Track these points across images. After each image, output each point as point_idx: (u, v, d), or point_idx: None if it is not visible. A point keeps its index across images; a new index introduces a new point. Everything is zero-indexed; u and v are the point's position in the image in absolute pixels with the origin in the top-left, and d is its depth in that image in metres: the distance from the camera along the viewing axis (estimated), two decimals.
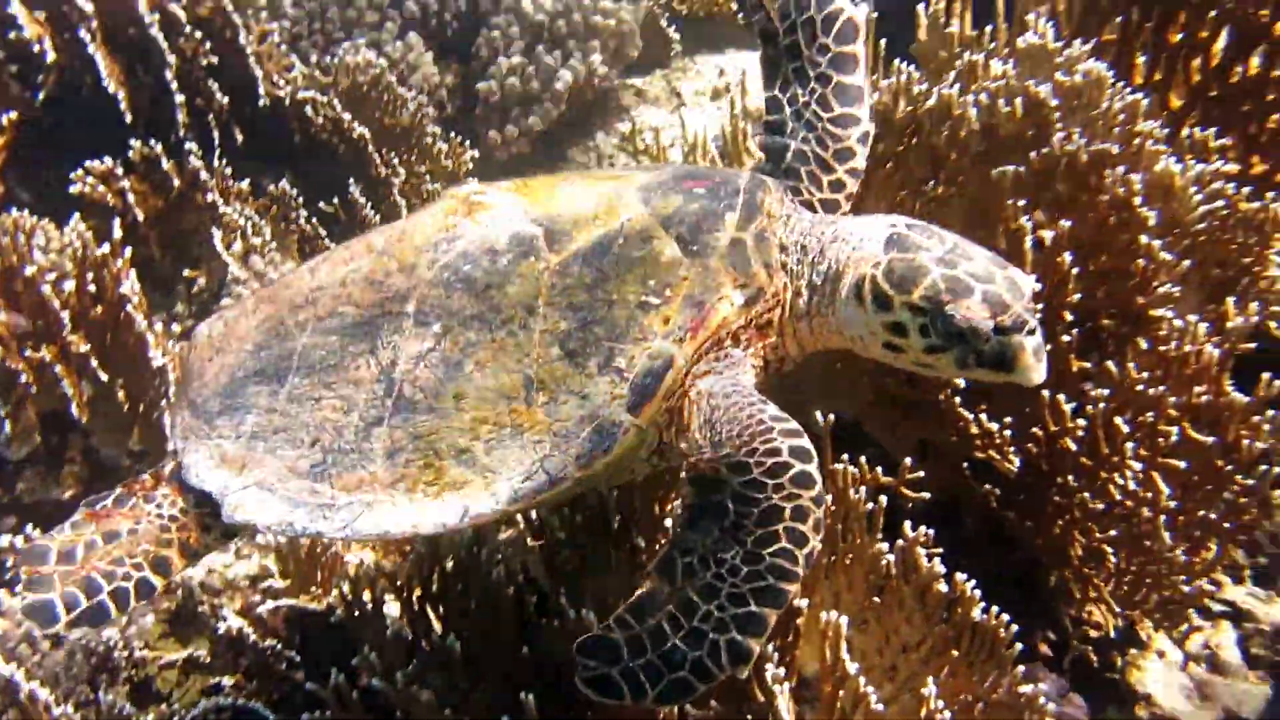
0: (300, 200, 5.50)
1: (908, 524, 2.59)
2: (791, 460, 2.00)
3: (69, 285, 4.15)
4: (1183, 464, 2.79)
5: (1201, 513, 2.96)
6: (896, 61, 4.13)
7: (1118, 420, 2.74)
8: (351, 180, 5.63)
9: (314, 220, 5.57)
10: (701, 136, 5.63)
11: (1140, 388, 2.79)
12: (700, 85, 7.47)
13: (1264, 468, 2.93)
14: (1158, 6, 3.39)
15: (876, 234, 2.21)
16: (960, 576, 2.54)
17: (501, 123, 6.65)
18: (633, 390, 2.10)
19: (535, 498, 2.09)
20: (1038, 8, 3.72)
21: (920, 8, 3.90)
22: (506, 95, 6.56)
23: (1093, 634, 3.19)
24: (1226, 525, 2.99)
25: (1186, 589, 2.90)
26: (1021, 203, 2.85)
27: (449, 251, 2.29)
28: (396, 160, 5.89)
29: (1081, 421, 2.82)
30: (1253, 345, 2.93)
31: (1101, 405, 2.77)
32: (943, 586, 2.53)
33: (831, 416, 2.79)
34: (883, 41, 3.89)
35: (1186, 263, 2.87)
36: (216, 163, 5.23)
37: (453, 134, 6.45)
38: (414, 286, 2.27)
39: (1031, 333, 2.01)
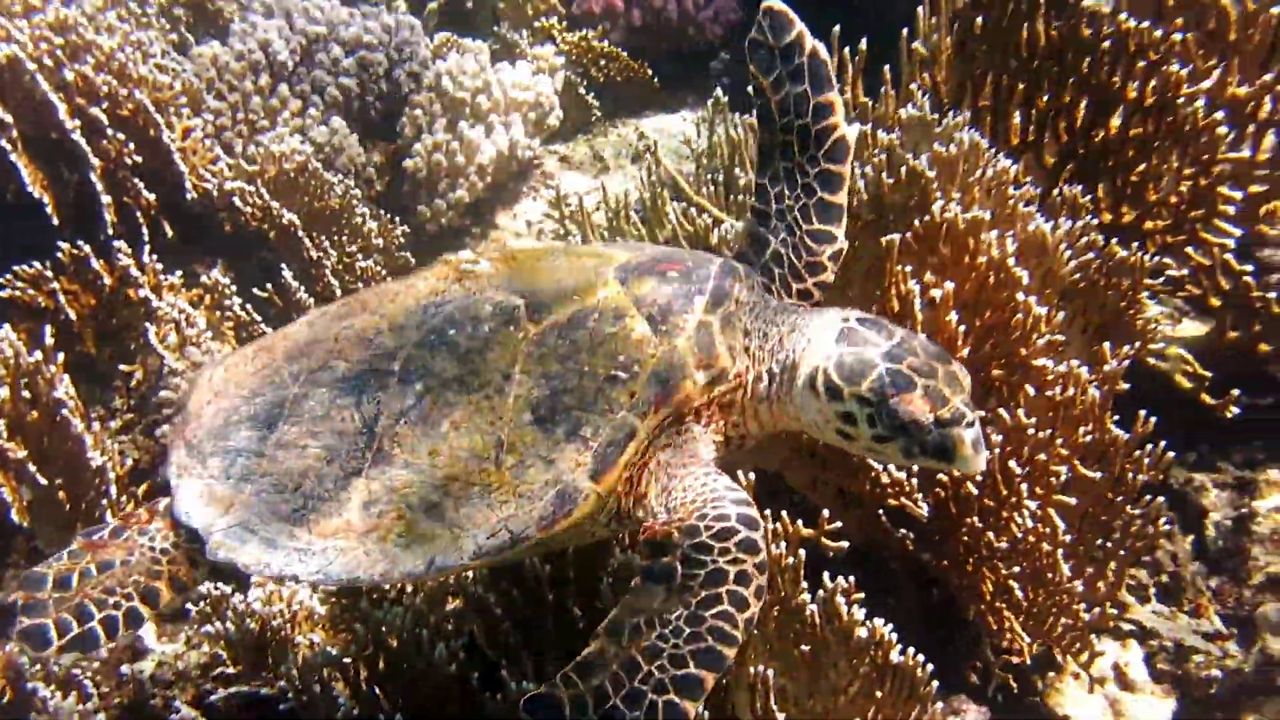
0: (233, 289, 5.58)
1: (826, 575, 2.77)
2: (739, 526, 2.13)
3: (3, 392, 4.19)
4: (1073, 500, 3.01)
5: (1099, 542, 3.19)
6: None
7: (1012, 464, 2.95)
8: (284, 266, 5.74)
9: (248, 307, 5.65)
10: (623, 201, 5.87)
11: (1031, 431, 3.01)
12: (621, 149, 7.75)
13: (1149, 497, 3.18)
14: (1023, 76, 3.69)
15: (830, 327, 2.35)
16: (878, 622, 2.71)
17: (430, 197, 6.82)
18: (595, 459, 2.21)
19: (498, 554, 2.20)
20: (920, 76, 4.01)
21: None
22: (433, 171, 6.74)
23: (1014, 661, 3.38)
24: (1121, 552, 3.22)
25: (1087, 616, 3.11)
26: (909, 267, 3.08)
27: (436, 315, 2.42)
28: (328, 243, 6.01)
29: None
30: (1126, 386, 3.18)
31: (997, 451, 2.98)
32: (863, 632, 2.70)
33: (753, 475, 2.97)
34: None
35: (1061, 314, 3.11)
36: (147, 258, 5.29)
37: (383, 211, 6.60)
38: (401, 346, 2.40)
39: (970, 425, 2.14)
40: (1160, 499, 3.17)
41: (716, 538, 2.12)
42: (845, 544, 3.07)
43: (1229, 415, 3.87)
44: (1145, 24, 2.74)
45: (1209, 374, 3.90)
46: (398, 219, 6.60)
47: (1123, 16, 3.40)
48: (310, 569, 2.26)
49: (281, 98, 6.52)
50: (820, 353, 2.30)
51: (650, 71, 7.85)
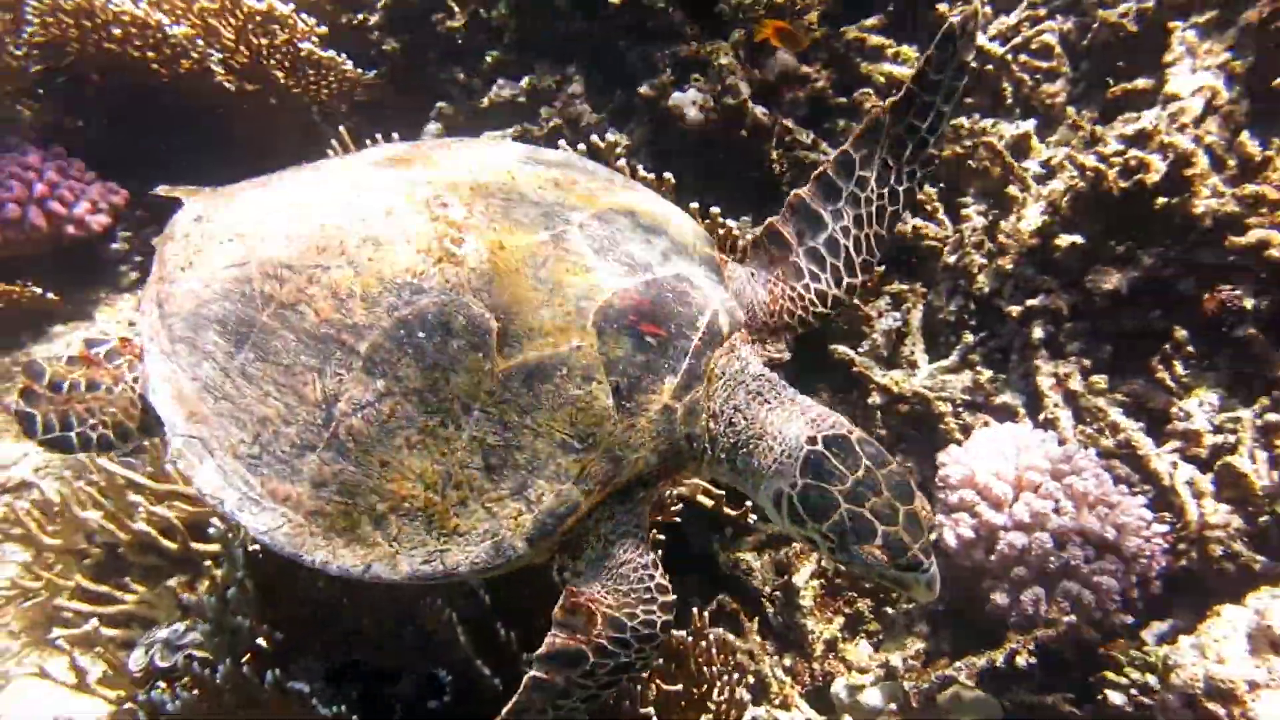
0: None
1: None
2: (659, 634, 2.35)
3: None
4: None
5: None
6: None
7: None
8: None
9: None
10: None
11: None
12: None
13: (726, 677, 3.27)
14: None
15: (797, 447, 2.36)
16: None
17: None
18: (535, 524, 2.26)
19: (428, 581, 2.30)
20: None
21: None
22: None
23: None
24: None
25: None
26: None
27: (410, 305, 2.32)
28: None
29: None
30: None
31: None
32: None
33: None
34: None
35: None
36: None
37: None
38: (370, 326, 2.33)
39: (925, 571, 2.25)
40: (736, 674, 3.27)
41: (640, 639, 2.32)
42: None
43: (748, 521, 4.19)
44: None
45: (722, 492, 4.16)
46: None
47: None
48: (259, 525, 2.34)
49: None
50: (784, 478, 2.35)
51: (40, 289, 6.60)
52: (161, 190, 2.91)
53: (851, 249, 2.69)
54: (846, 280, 2.69)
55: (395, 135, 4.64)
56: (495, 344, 2.28)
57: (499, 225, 2.43)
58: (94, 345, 2.83)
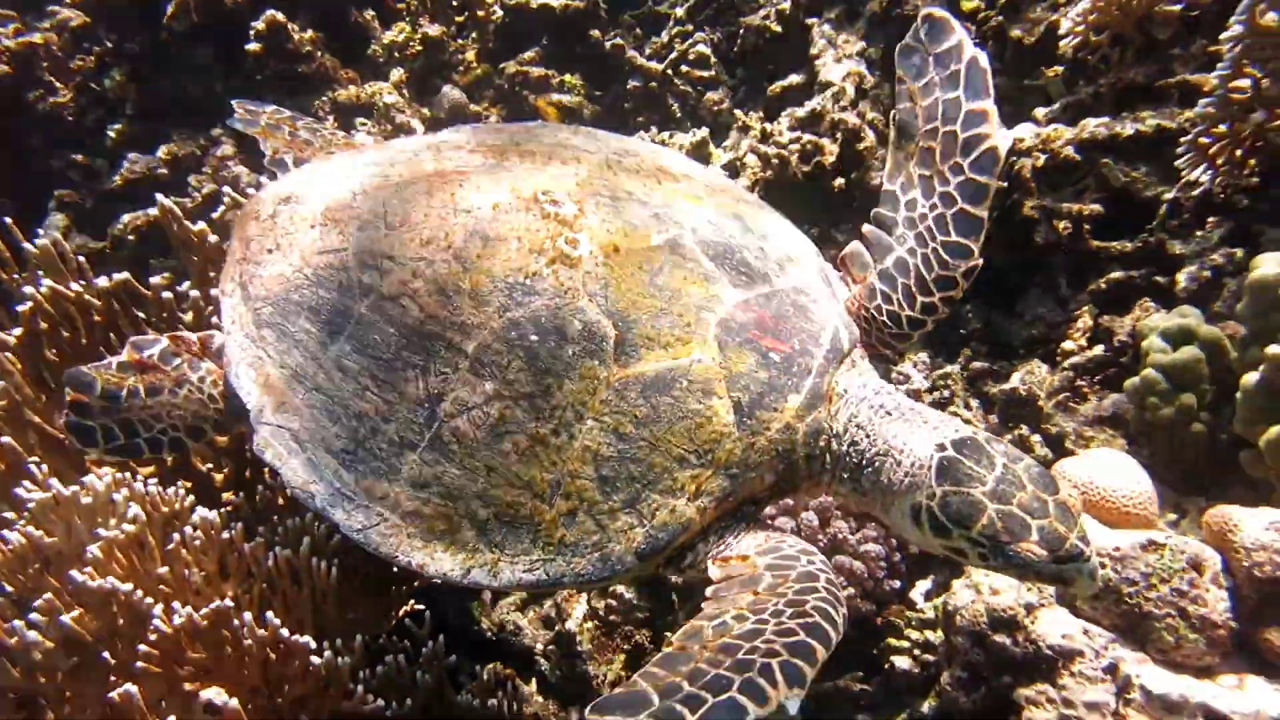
0: None
1: None
2: (815, 557, 2.19)
3: None
4: None
5: None
6: None
7: None
8: None
9: None
10: None
11: None
12: None
13: None
14: None
15: (926, 455, 2.23)
16: None
17: None
18: (646, 539, 2.17)
19: (530, 589, 2.22)
20: None
21: None
22: None
23: None
24: None
25: None
26: None
27: (522, 306, 2.22)
28: None
29: None
30: None
31: None
32: None
33: None
34: None
35: None
36: None
37: None
38: (479, 326, 2.23)
39: (1086, 560, 2.12)
40: None
41: (804, 551, 2.20)
42: None
43: None
44: None
45: None
46: None
47: None
48: (353, 523, 2.23)
49: None
50: (920, 490, 2.23)
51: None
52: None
53: (921, 267, 2.52)
54: (921, 300, 2.52)
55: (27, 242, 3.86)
56: (612, 351, 2.20)
57: (612, 227, 2.34)
58: (143, 348, 2.58)
